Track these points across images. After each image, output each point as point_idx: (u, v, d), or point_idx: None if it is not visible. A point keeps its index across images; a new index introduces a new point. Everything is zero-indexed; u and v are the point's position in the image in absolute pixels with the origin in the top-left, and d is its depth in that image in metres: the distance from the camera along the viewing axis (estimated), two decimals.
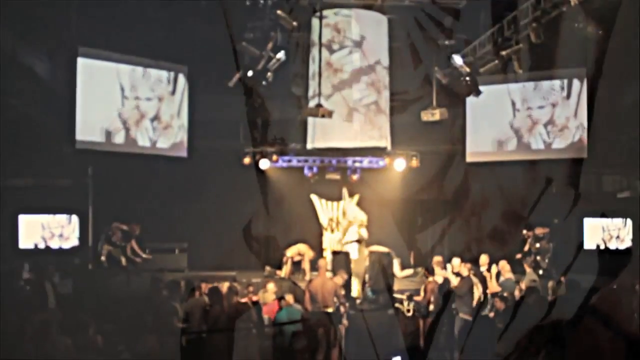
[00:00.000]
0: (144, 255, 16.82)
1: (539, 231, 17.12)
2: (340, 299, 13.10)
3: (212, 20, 17.53)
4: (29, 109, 16.16)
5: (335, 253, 17.66)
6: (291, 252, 17.82)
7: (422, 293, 14.40)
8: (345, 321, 12.82)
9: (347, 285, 14.57)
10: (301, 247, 17.90)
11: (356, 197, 19.19)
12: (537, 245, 17.02)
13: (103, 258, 16.51)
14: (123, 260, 16.76)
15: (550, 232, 17.27)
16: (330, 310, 12.85)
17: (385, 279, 15.90)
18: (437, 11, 18.00)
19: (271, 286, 13.81)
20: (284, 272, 17.61)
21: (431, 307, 13.77)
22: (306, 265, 17.71)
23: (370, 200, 19.33)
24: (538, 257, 16.85)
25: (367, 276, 16.38)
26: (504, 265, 14.28)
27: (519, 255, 16.98)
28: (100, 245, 16.72)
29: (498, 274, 14.36)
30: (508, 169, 19.16)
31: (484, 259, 14.91)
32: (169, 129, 18.99)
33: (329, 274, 14.33)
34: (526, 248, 17.15)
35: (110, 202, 17.20)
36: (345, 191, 19.19)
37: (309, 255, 17.74)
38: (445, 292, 13.44)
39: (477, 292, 14.05)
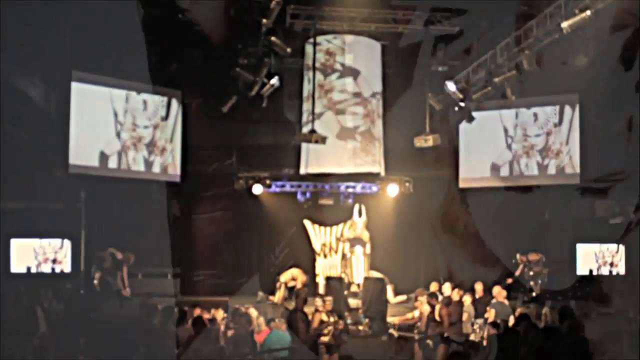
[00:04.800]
0: (127, 290, 16.62)
1: (533, 257, 17.12)
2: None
3: (206, 45, 17.65)
4: (23, 133, 16.13)
5: (329, 278, 17.62)
6: (285, 277, 17.75)
7: (419, 318, 14.33)
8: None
9: (338, 311, 14.51)
10: (294, 272, 17.84)
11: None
12: (531, 273, 17.02)
13: (96, 282, 16.40)
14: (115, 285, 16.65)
15: (543, 258, 17.27)
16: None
17: (378, 305, 15.86)
18: (430, 37, 18.10)
19: (253, 312, 13.69)
20: (277, 297, 17.51)
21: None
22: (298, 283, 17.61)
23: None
24: (532, 283, 16.86)
25: (360, 302, 16.34)
26: (499, 291, 14.30)
27: (509, 280, 16.99)
28: (94, 270, 16.62)
29: (491, 298, 14.38)
30: (500, 195, 19.17)
31: (479, 287, 14.92)
32: (162, 154, 18.97)
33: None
34: (518, 273, 17.16)
35: (103, 226, 17.14)
36: (357, 209, 19.23)
37: (302, 280, 17.66)
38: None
39: (468, 317, 14.05)
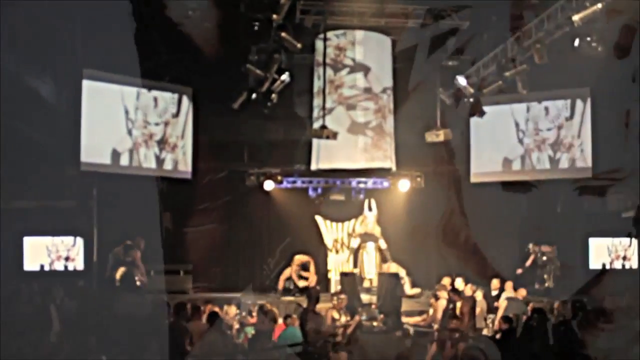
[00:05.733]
0: (140, 278, 16.61)
1: (545, 249, 17.10)
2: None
3: (216, 42, 17.63)
4: (34, 132, 16.17)
5: (343, 274, 17.61)
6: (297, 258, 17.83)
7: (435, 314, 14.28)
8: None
9: (351, 308, 14.51)
10: (300, 257, 17.84)
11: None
12: (544, 258, 16.99)
13: (118, 277, 16.40)
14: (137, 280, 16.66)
15: (556, 251, 17.23)
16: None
17: (393, 300, 15.83)
18: (440, 32, 18.04)
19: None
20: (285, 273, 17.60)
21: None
22: (293, 273, 17.63)
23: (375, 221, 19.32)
24: (545, 276, 16.83)
25: (373, 297, 16.33)
26: (511, 285, 14.28)
27: (519, 271, 16.97)
28: (115, 266, 16.61)
29: (501, 292, 14.35)
30: (512, 189, 19.14)
31: (495, 283, 14.89)
32: (173, 151, 18.99)
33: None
34: (529, 263, 17.14)
35: (115, 224, 17.17)
36: (367, 203, 19.22)
37: (300, 260, 17.71)
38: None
39: (481, 312, 14.02)
